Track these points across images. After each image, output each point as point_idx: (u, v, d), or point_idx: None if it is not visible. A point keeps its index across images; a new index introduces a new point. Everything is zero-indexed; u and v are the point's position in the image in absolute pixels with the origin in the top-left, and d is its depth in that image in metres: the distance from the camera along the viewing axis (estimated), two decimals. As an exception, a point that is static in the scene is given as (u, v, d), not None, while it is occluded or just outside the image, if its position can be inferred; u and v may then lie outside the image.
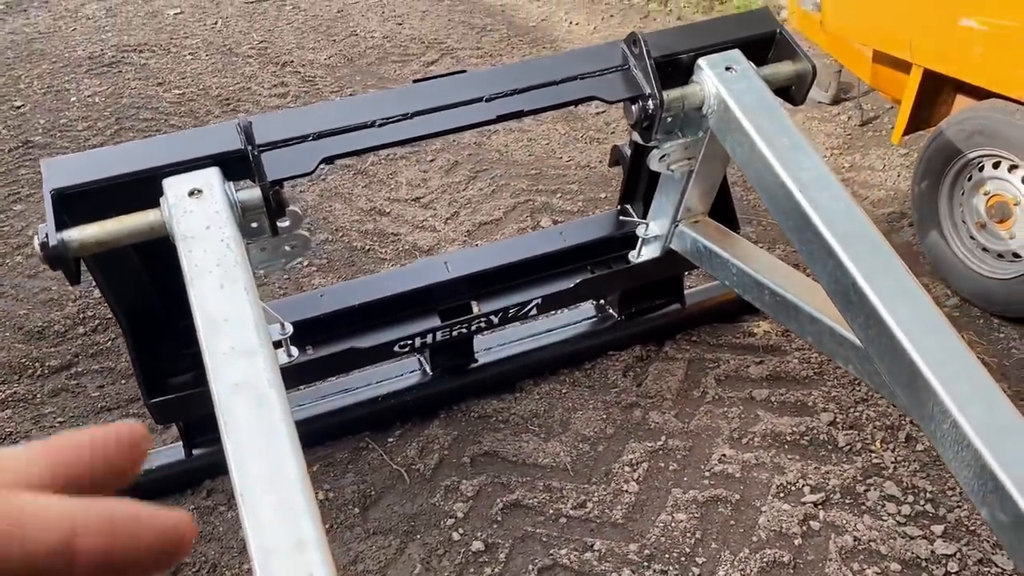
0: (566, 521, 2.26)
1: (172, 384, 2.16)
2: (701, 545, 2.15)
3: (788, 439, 2.44)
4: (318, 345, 2.26)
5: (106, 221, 1.66)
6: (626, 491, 2.32)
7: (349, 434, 2.59)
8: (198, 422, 2.39)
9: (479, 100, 1.89)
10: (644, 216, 2.45)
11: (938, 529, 2.12)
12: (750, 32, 2.11)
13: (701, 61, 2.00)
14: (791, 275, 2.02)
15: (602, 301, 2.84)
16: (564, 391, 2.71)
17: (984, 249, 2.84)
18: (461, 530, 2.25)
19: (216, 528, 2.34)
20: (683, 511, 2.24)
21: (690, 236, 2.28)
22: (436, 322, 2.35)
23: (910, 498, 2.22)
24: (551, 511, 2.29)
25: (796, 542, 2.13)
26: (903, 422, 2.46)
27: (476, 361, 2.67)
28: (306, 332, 2.21)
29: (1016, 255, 2.74)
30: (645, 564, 2.11)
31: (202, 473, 2.47)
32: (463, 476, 2.42)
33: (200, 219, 1.64)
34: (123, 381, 2.89)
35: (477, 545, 2.20)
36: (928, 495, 2.22)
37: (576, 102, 1.99)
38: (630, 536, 2.19)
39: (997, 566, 2.02)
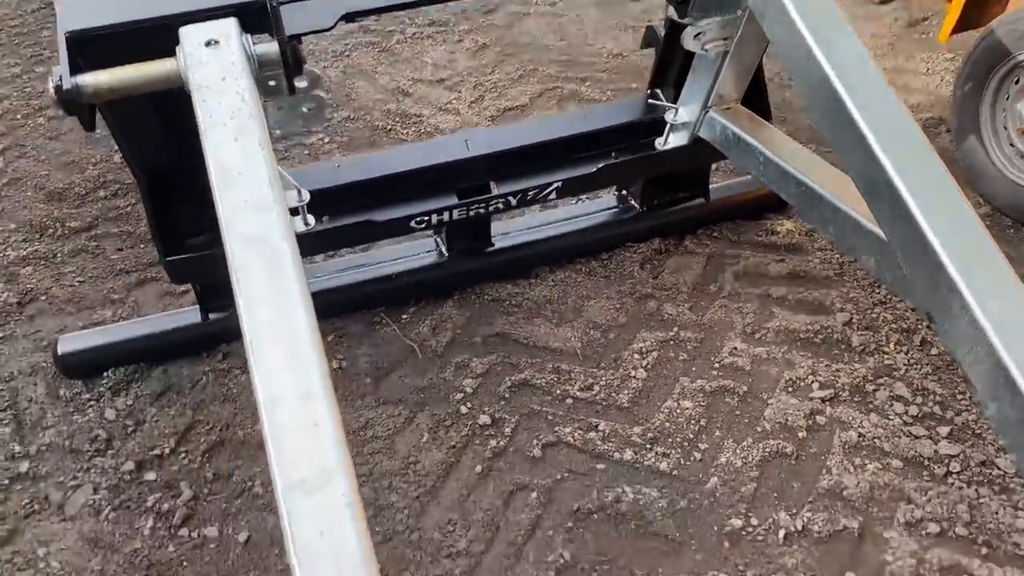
0: (572, 402, 2.28)
1: (188, 244, 2.16)
2: (705, 432, 2.18)
3: (801, 336, 2.43)
4: (334, 216, 2.25)
5: (121, 68, 1.63)
6: (634, 377, 2.34)
7: (364, 308, 2.60)
8: (215, 285, 2.41)
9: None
10: (675, 102, 2.37)
11: (944, 430, 2.13)
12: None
13: (745, -67, 1.90)
14: (818, 165, 1.96)
15: (624, 192, 2.79)
16: (579, 279, 2.69)
17: (1023, 157, 2.74)
18: (469, 404, 2.28)
19: (231, 390, 2.39)
20: (689, 399, 2.26)
21: (720, 123, 2.21)
22: (453, 200, 2.32)
23: (919, 399, 2.22)
24: (558, 391, 2.31)
25: (800, 435, 2.15)
26: (919, 326, 2.44)
27: (493, 245, 2.66)
28: (323, 202, 2.19)
29: (1056, 165, 2.66)
30: (647, 447, 2.13)
31: (218, 337, 2.51)
32: (474, 354, 2.44)
33: (216, 70, 1.60)
34: (142, 245, 2.91)
35: (484, 419, 2.23)
36: (937, 398, 2.22)
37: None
38: (635, 420, 2.22)
39: (999, 468, 2.03)
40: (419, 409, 2.28)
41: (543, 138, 2.38)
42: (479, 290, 2.67)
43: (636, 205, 2.78)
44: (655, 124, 2.43)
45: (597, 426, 2.19)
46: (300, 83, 1.78)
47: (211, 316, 2.48)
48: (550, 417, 2.23)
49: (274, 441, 1.26)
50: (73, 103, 1.58)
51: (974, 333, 1.48)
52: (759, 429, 2.17)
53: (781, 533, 1.91)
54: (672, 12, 2.00)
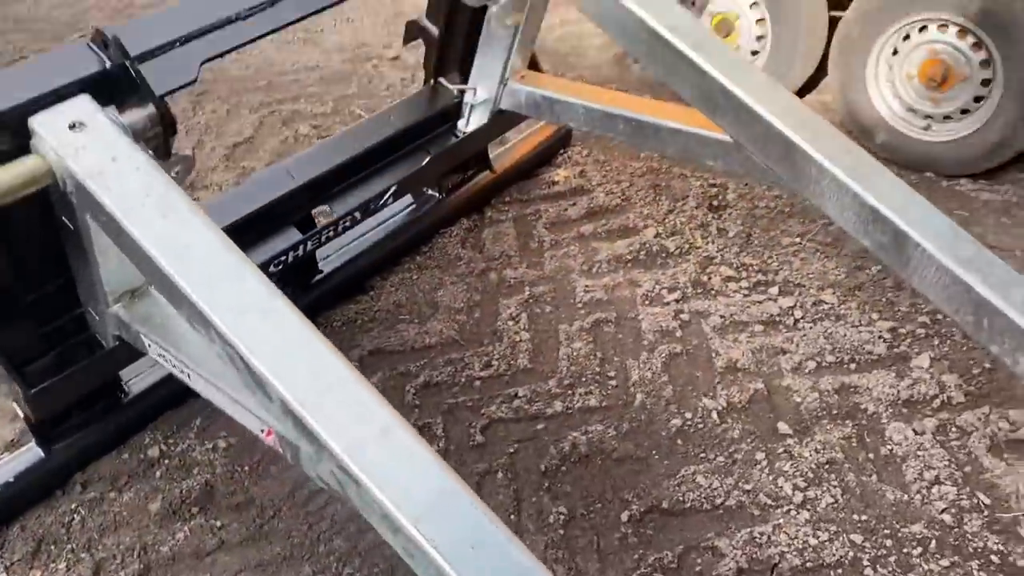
0: (481, 383, 2.36)
1: (41, 369, 1.87)
2: (606, 362, 2.38)
3: (629, 258, 2.73)
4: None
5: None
6: (520, 340, 2.47)
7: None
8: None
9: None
10: (464, 84, 2.50)
11: (774, 291, 2.55)
12: None
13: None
14: (638, 101, 2.22)
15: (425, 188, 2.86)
16: (416, 277, 2.74)
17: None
18: (388, 424, 2.25)
19: (119, 515, 2.11)
20: (577, 340, 2.45)
21: (523, 91, 2.39)
22: (297, 235, 2.25)
23: (744, 273, 2.62)
24: (463, 379, 2.37)
25: (678, 334, 2.44)
26: (710, 219, 2.85)
27: (321, 272, 2.61)
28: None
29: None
30: (570, 392, 2.29)
31: (69, 468, 2.19)
32: (360, 379, 2.40)
33: (100, 152, 1.42)
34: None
35: (412, 431, 2.22)
36: (756, 267, 2.64)
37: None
38: (544, 375, 2.36)
39: (826, 302, 2.49)
40: (342, 447, 2.20)
41: (358, 149, 2.37)
42: (325, 318, 2.61)
43: (435, 194, 2.87)
44: (446, 112, 2.54)
45: (516, 394, 2.30)
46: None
47: (54, 447, 2.15)
48: (470, 404, 2.29)
49: (379, 483, 1.23)
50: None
51: (837, 186, 1.83)
52: (645, 342, 2.43)
53: (714, 415, 2.19)
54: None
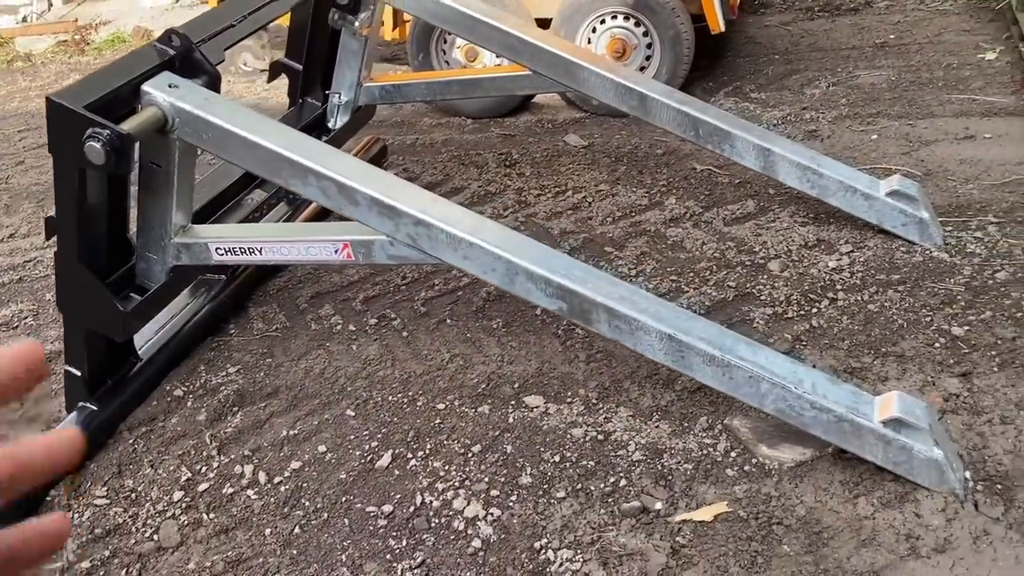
0: (406, 286, 3.27)
1: (128, 297, 2.52)
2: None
3: (467, 203, 3.80)
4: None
5: (128, 120, 2.15)
6: (418, 259, 3.42)
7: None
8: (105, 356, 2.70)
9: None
10: (324, 93, 3.48)
11: (569, 193, 3.75)
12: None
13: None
14: (458, 71, 3.35)
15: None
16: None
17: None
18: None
19: (175, 430, 2.72)
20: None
21: (374, 87, 3.43)
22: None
23: (547, 190, 3.80)
24: (391, 288, 3.27)
25: (522, 229, 3.54)
26: (508, 171, 4.03)
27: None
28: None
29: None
30: (468, 273, 3.27)
31: (116, 417, 2.75)
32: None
33: (196, 96, 2.26)
34: None
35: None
36: (552, 185, 3.83)
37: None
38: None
39: (603, 190, 3.73)
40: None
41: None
42: (260, 291, 3.37)
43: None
44: (317, 120, 3.50)
45: (433, 285, 3.25)
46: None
47: (102, 402, 2.71)
48: (402, 299, 3.20)
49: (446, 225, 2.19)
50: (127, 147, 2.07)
51: (601, 79, 3.08)
52: (502, 237, 3.49)
53: (567, 251, 3.30)
54: (338, 20, 3.13)
